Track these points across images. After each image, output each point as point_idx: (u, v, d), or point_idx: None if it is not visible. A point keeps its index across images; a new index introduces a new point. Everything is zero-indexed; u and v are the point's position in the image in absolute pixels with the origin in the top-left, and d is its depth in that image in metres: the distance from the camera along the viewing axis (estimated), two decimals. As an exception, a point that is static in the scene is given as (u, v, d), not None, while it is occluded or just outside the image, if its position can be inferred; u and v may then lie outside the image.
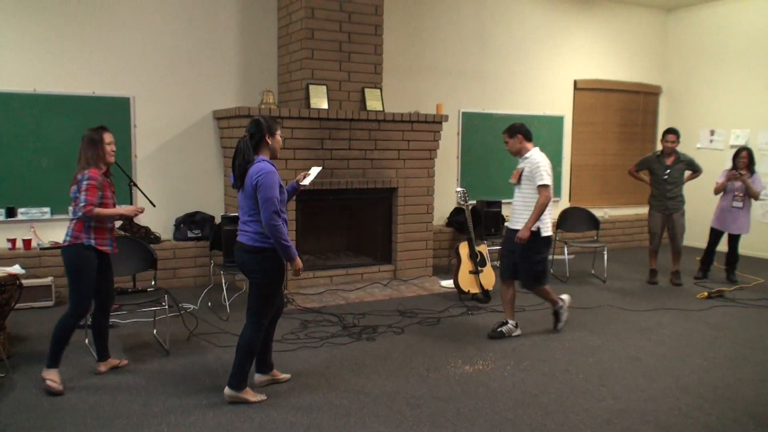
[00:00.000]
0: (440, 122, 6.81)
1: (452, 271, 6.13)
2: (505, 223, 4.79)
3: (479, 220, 7.17)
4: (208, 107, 6.61)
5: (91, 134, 3.78)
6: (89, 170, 3.72)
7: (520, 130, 4.77)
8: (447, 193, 7.79)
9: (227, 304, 5.42)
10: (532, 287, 4.85)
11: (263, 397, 3.67)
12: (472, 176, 8.02)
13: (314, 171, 3.93)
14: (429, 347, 4.48)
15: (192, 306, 5.52)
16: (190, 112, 6.54)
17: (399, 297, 6.00)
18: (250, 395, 3.63)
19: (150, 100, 6.34)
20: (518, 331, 4.88)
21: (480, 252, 6.03)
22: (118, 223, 4.19)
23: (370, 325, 5.06)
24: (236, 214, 5.61)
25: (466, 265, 5.95)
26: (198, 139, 6.59)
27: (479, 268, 5.96)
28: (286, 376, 3.96)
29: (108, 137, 3.82)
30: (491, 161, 8.17)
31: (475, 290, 5.95)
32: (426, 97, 7.57)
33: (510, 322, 4.87)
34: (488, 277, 6.01)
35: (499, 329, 4.83)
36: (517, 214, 4.73)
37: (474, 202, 7.43)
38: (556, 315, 5.04)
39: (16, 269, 4.45)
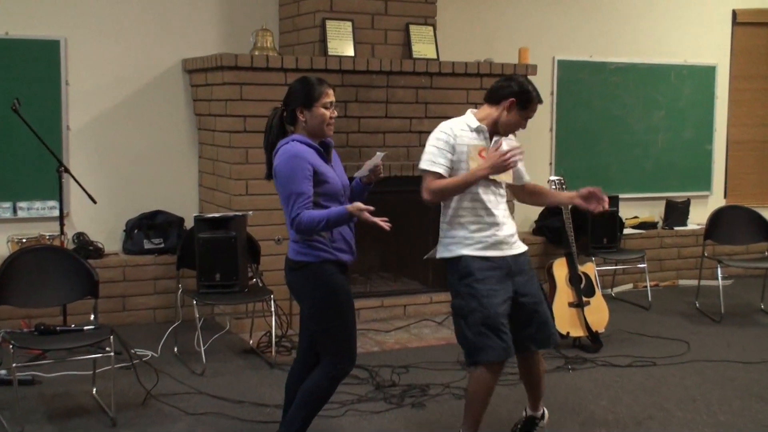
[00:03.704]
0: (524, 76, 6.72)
1: (543, 303, 6.07)
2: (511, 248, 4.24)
3: (584, 225, 7.09)
4: (177, 55, 6.68)
5: None
6: None
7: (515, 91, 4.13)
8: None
9: (202, 350, 5.43)
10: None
11: None
12: (572, 159, 8.02)
13: (374, 158, 3.93)
14: (506, 419, 4.45)
15: (150, 353, 5.57)
16: (148, 62, 6.60)
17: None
18: None
19: (90, 44, 6.41)
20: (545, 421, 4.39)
21: (585, 274, 6.03)
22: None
23: (417, 384, 5.08)
24: (216, 215, 5.69)
25: (563, 293, 5.94)
26: (160, 101, 6.65)
27: (584, 299, 5.93)
28: None
29: None
30: (602, 136, 8.15)
31: (577, 332, 5.93)
32: (503, 38, 7.57)
33: (543, 413, 4.35)
34: (598, 312, 5.99)
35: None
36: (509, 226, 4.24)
37: (576, 197, 7.36)
38: (529, 425, 4.35)
39: None
